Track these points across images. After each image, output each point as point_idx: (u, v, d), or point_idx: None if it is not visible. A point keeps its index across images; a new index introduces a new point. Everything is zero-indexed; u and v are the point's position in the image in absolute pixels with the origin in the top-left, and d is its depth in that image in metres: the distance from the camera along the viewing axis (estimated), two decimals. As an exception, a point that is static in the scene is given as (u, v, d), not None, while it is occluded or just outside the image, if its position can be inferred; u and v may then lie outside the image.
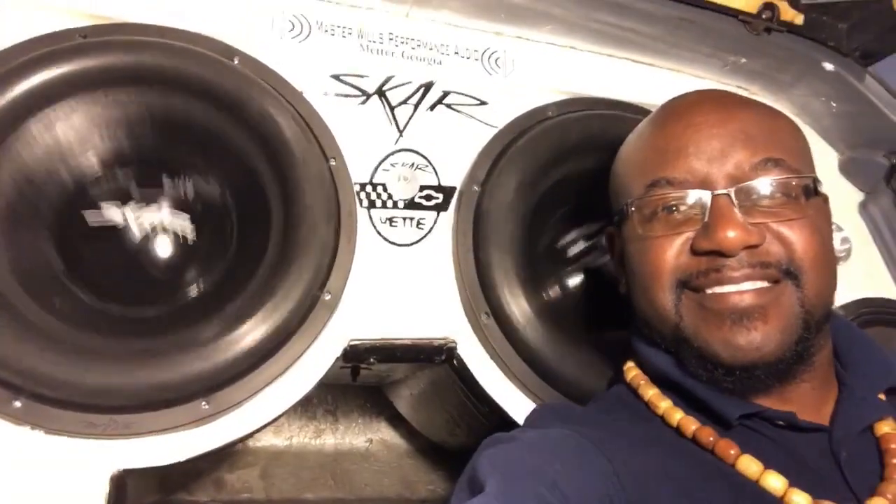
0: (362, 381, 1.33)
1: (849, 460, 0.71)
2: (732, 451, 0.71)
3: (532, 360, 1.05)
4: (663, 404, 0.78)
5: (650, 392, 0.80)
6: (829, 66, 1.25)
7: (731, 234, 0.70)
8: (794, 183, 0.73)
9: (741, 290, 0.71)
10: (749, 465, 0.69)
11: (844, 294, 1.30)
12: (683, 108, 0.81)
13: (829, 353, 0.78)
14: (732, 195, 0.71)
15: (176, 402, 0.88)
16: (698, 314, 0.74)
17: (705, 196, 0.73)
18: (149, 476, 0.91)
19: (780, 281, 0.72)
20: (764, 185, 0.72)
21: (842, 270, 1.33)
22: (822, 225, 0.75)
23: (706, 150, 0.74)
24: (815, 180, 0.76)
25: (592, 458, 0.69)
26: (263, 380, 0.93)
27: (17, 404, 0.83)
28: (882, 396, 0.78)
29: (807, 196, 0.74)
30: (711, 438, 0.72)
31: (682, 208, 0.74)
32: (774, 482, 0.68)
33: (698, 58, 1.28)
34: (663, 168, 0.76)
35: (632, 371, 0.85)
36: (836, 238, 1.32)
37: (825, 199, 0.78)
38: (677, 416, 0.76)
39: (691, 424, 0.74)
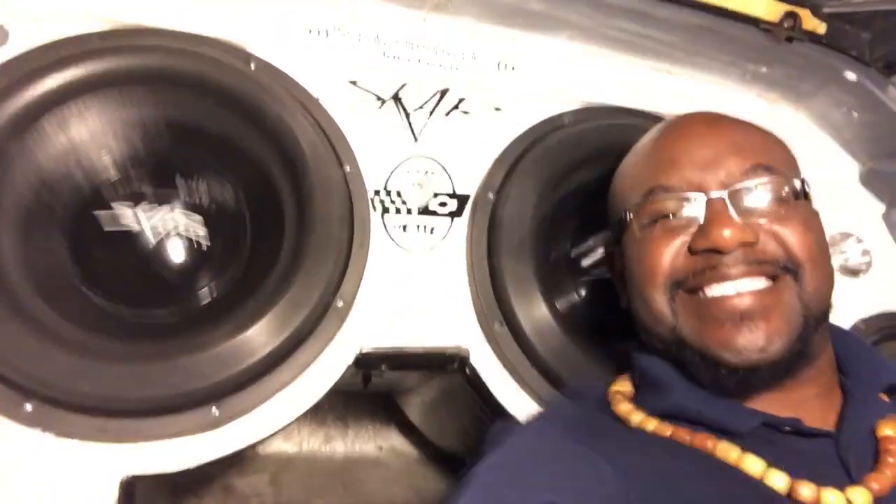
0: (373, 388, 1.32)
1: (856, 463, 0.71)
2: (734, 452, 0.70)
3: (545, 370, 1.04)
4: (650, 426, 0.77)
5: (636, 417, 0.79)
6: (851, 76, 1.23)
7: (727, 232, 0.72)
8: (784, 184, 0.76)
9: (740, 291, 0.73)
10: (752, 464, 0.69)
11: (865, 307, 1.28)
12: (676, 123, 0.86)
13: (830, 358, 0.79)
14: (726, 198, 0.75)
15: (187, 408, 0.88)
16: (696, 317, 0.75)
17: (700, 200, 0.76)
18: (158, 482, 0.91)
19: (779, 276, 0.73)
20: (756, 186, 0.76)
21: (862, 283, 1.32)
22: (814, 224, 0.79)
23: (698, 159, 0.78)
24: (804, 182, 0.79)
25: (591, 463, 0.69)
26: (274, 386, 0.93)
27: (28, 407, 0.83)
28: (885, 397, 0.79)
29: (796, 197, 0.77)
30: (710, 443, 0.72)
31: (679, 214, 0.77)
32: (777, 480, 0.68)
33: (718, 66, 1.27)
34: (658, 177, 0.80)
35: (617, 394, 0.85)
36: (857, 250, 1.31)
37: (811, 202, 0.81)
38: (668, 432, 0.76)
39: (685, 435, 0.74)
